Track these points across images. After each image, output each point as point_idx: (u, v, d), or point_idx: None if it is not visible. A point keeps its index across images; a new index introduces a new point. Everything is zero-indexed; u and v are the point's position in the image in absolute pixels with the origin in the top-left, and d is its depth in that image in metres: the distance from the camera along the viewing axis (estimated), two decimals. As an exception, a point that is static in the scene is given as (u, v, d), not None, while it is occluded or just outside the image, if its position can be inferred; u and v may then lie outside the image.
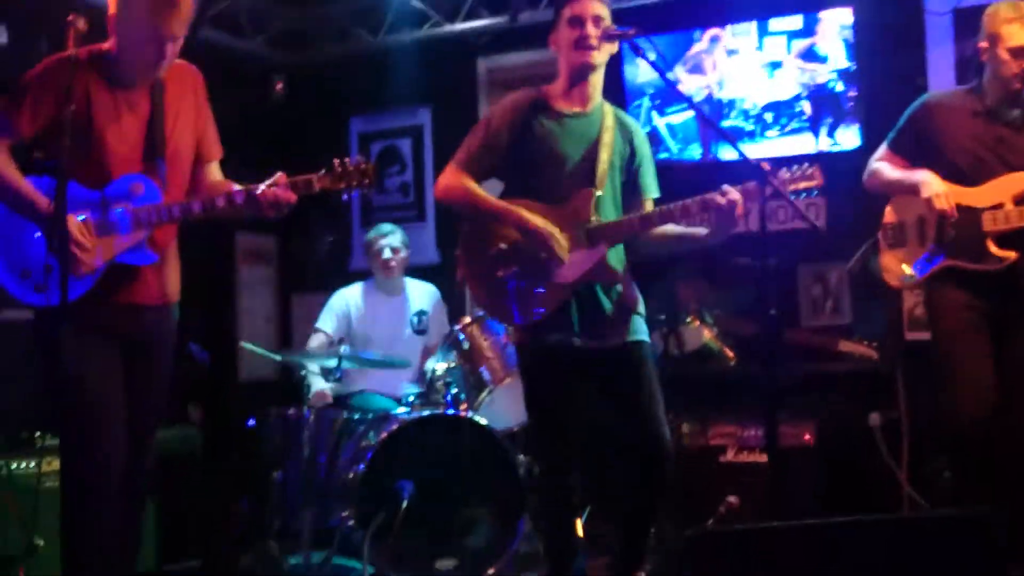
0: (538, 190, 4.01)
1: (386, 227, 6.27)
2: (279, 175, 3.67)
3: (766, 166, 3.60)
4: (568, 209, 3.97)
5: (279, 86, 7.90)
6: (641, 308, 4.11)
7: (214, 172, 3.92)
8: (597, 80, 4.09)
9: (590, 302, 3.99)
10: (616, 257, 4.07)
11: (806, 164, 3.78)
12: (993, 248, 4.15)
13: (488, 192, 4.07)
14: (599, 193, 3.99)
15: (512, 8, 7.08)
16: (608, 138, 4.06)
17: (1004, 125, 4.26)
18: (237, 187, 3.74)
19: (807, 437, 5.78)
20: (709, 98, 6.64)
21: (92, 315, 3.49)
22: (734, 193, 3.74)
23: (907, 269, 4.30)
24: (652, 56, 3.83)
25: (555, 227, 3.91)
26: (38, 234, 3.52)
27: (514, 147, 4.05)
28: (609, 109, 4.16)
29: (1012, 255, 4.13)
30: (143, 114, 3.66)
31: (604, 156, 4.03)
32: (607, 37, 3.95)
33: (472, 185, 4.05)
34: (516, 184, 4.08)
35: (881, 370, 5.72)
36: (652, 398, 3.98)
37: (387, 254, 6.12)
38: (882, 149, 4.55)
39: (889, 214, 4.48)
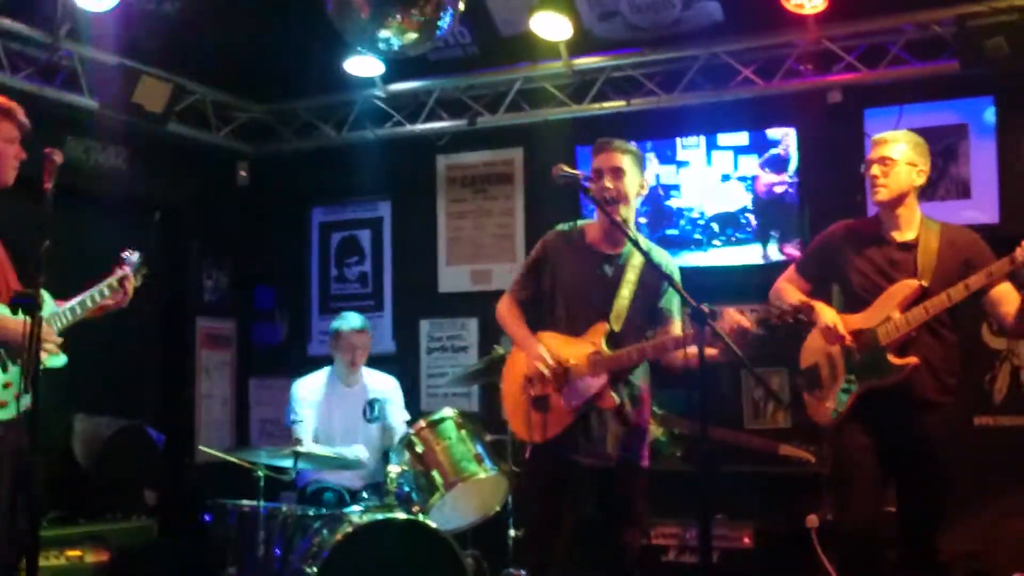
0: (562, 321, 4.43)
1: (355, 319, 6.30)
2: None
3: (705, 308, 3.70)
4: (584, 340, 4.35)
5: (243, 172, 8.09)
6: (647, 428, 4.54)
7: None
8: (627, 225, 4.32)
9: (594, 424, 4.36)
10: (643, 373, 4.48)
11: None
12: (893, 359, 4.32)
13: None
14: (612, 328, 4.33)
15: (470, 112, 7.35)
16: (632, 277, 4.40)
17: (892, 246, 4.46)
18: None
19: (746, 540, 5.98)
20: (659, 206, 6.86)
21: None
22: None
23: (830, 405, 4.50)
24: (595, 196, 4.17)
25: (573, 356, 4.32)
26: None
27: (549, 278, 4.47)
28: (645, 246, 4.27)
29: (913, 360, 4.30)
30: None
31: (624, 293, 4.37)
32: (558, 180, 4.10)
33: (514, 313, 4.58)
34: (544, 313, 4.50)
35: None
36: (639, 512, 4.47)
37: (356, 346, 6.22)
38: (789, 270, 4.77)
39: (803, 360, 4.66)
